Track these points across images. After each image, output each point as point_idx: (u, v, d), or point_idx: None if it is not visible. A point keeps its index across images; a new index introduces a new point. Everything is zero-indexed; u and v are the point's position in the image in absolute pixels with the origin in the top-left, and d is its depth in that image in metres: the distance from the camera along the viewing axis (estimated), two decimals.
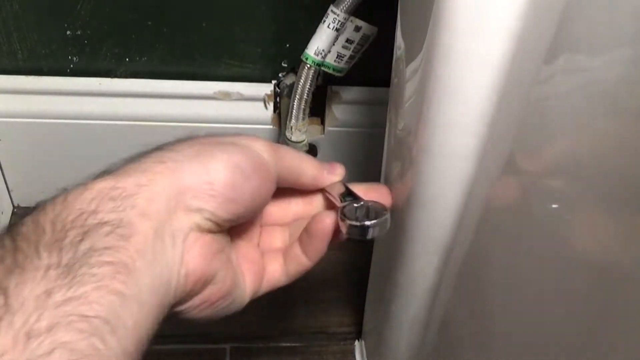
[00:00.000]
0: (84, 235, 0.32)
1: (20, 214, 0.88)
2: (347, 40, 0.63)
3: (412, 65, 0.42)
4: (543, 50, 0.33)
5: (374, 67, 0.66)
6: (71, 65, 0.76)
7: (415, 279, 0.52)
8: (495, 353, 0.45)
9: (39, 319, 0.29)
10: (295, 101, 0.65)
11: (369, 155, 0.80)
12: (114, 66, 0.76)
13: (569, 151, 0.33)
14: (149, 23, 0.72)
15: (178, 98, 0.78)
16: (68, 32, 0.73)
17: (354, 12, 0.60)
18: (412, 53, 0.42)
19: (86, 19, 0.72)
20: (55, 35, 0.73)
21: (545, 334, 0.37)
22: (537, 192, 0.37)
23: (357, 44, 0.64)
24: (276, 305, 0.82)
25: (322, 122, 0.80)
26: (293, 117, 0.66)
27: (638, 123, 0.28)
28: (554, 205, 0.35)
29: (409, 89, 0.43)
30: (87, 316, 0.30)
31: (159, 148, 0.39)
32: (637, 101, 0.28)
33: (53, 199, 0.34)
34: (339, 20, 0.60)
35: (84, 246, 0.32)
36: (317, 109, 0.78)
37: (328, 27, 0.61)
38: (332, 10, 0.60)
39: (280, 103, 0.77)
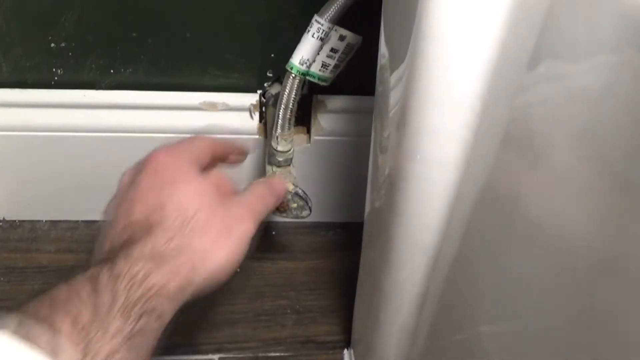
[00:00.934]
0: (142, 315, 0.44)
1: (6, 227, 0.88)
2: (332, 50, 0.63)
3: (396, 74, 0.42)
4: (526, 58, 0.33)
5: (359, 75, 0.66)
6: (55, 78, 0.76)
7: (402, 287, 0.52)
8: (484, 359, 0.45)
9: None
10: (281, 111, 0.65)
11: (356, 163, 0.80)
12: (98, 78, 0.76)
13: (554, 157, 0.33)
14: (134, 34, 0.72)
15: (164, 109, 0.77)
16: (52, 44, 0.72)
17: (338, 21, 0.61)
18: (395, 61, 0.42)
19: (70, 31, 0.71)
20: (39, 47, 0.73)
21: (535, 339, 0.37)
22: (524, 198, 0.37)
23: (342, 53, 0.64)
24: (264, 315, 0.82)
25: (308, 131, 0.80)
26: (279, 127, 0.66)
27: (620, 128, 0.28)
28: (541, 210, 0.35)
29: (394, 97, 0.44)
30: None
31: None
32: (619, 107, 0.28)
33: (129, 266, 0.46)
34: (323, 30, 0.60)
35: (140, 324, 0.44)
36: (303, 118, 0.78)
37: (312, 36, 0.61)
38: (316, 20, 0.60)
39: (266, 113, 0.77)
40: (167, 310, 0.46)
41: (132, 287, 0.45)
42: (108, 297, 0.43)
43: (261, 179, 0.63)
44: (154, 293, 0.46)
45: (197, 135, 0.58)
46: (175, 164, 0.54)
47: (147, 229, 0.50)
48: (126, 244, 0.48)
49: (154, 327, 0.45)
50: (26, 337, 0.39)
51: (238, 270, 0.84)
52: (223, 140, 0.62)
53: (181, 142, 0.57)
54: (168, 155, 0.54)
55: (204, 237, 0.51)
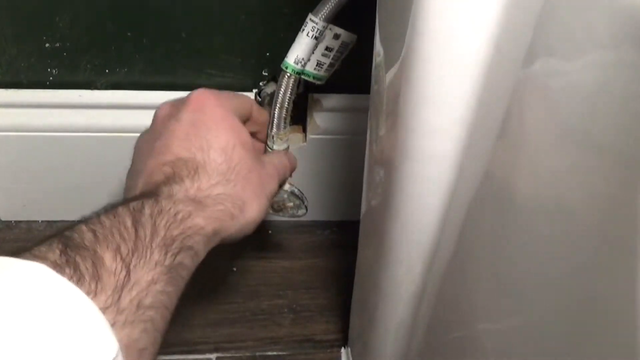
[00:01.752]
0: (180, 251, 0.45)
1: (2, 227, 0.88)
2: (327, 48, 0.63)
3: (392, 72, 0.42)
4: (521, 54, 0.33)
5: (354, 74, 0.67)
6: (51, 78, 0.76)
7: (399, 285, 0.52)
8: (482, 357, 0.45)
9: (145, 297, 0.41)
10: (276, 110, 0.64)
11: (351, 162, 0.80)
12: (94, 78, 0.76)
13: (549, 154, 0.33)
14: (129, 34, 0.72)
15: None
16: (47, 45, 0.72)
17: (333, 20, 0.61)
18: (391, 59, 0.42)
19: (65, 31, 0.71)
20: (34, 47, 0.73)
21: (532, 336, 0.37)
22: (520, 195, 0.37)
23: (337, 51, 0.64)
24: (261, 314, 0.82)
25: (304, 130, 0.80)
26: (274, 126, 0.65)
27: (616, 124, 0.28)
28: (537, 207, 0.35)
29: (389, 95, 0.44)
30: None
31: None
32: (615, 104, 0.28)
33: (170, 205, 0.47)
34: (317, 29, 0.60)
35: (178, 260, 0.45)
36: (298, 117, 0.78)
37: (307, 35, 0.61)
38: (310, 19, 0.60)
39: None
40: (201, 250, 0.48)
41: (171, 225, 0.46)
42: (148, 231, 0.45)
43: (277, 151, 0.65)
44: (192, 233, 0.47)
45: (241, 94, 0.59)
46: (221, 107, 0.54)
47: (192, 169, 0.51)
48: (169, 181, 0.50)
49: (189, 264, 0.47)
50: (69, 263, 0.40)
51: (234, 269, 0.85)
52: (263, 109, 0.63)
53: (225, 92, 0.58)
54: (214, 97, 0.55)
55: (245, 189, 0.52)
